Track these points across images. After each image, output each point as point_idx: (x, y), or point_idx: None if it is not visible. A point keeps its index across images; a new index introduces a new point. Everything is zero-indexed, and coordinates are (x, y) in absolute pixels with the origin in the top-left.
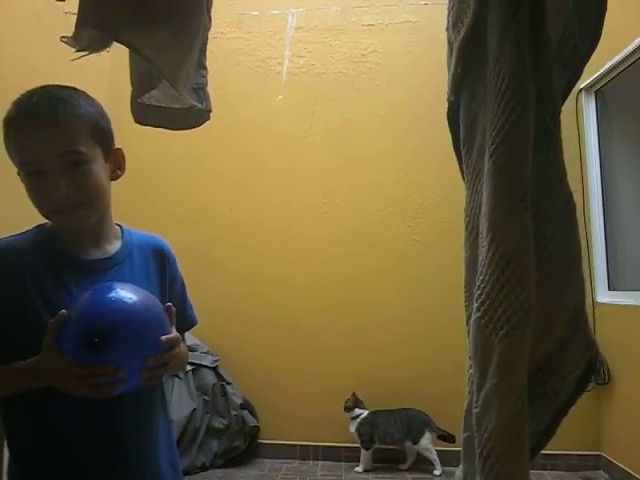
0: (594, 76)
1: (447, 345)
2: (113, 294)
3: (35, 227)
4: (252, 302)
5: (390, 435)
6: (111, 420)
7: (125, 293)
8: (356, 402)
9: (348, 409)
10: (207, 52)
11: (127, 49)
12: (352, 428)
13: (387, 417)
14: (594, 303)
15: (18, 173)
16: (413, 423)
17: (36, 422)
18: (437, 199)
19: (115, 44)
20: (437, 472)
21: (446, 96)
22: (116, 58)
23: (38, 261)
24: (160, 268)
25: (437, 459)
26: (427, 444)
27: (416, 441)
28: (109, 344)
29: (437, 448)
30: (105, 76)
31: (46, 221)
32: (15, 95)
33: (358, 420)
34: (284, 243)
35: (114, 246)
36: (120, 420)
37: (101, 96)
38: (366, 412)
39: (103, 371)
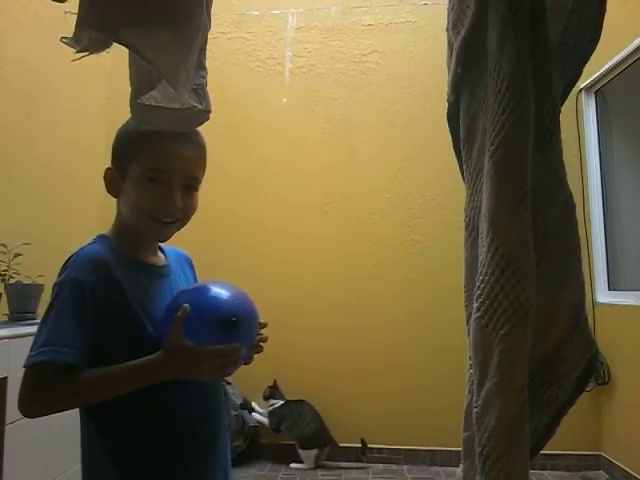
0: (594, 76)
1: (447, 345)
2: (225, 287)
3: (99, 237)
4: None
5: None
6: (205, 403)
7: (229, 286)
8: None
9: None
10: (207, 52)
11: (127, 50)
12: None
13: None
14: (594, 303)
15: (109, 170)
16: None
17: (147, 411)
18: (437, 199)
19: (115, 45)
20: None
21: (446, 96)
22: (116, 59)
23: (122, 268)
24: (192, 275)
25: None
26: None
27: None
28: (241, 324)
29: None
30: (105, 77)
31: (104, 233)
32: (16, 95)
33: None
34: (284, 243)
35: (161, 256)
36: (212, 402)
37: (101, 97)
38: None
39: (236, 350)
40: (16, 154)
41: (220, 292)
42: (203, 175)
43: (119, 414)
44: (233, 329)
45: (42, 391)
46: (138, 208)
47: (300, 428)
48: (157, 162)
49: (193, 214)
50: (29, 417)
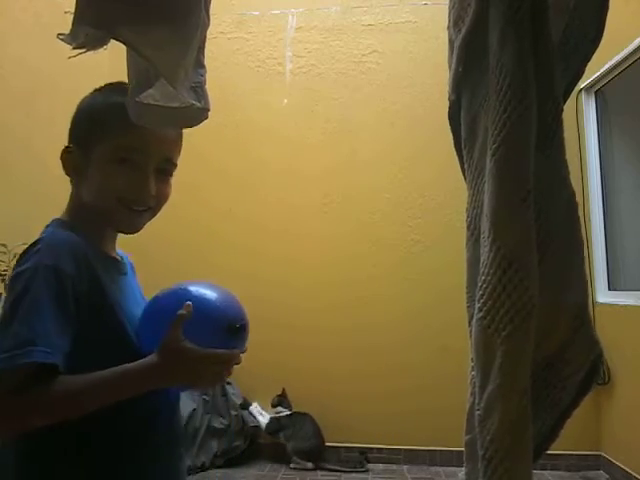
0: (594, 76)
1: (448, 346)
2: (216, 287)
3: (57, 222)
4: (252, 302)
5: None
6: (174, 408)
7: (218, 286)
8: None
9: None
10: (207, 52)
11: (125, 47)
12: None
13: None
14: (594, 303)
15: (67, 148)
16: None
17: (124, 414)
18: (437, 199)
19: (113, 42)
20: None
21: (447, 95)
22: (114, 57)
23: (96, 261)
24: (135, 279)
25: None
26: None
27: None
28: (244, 329)
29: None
30: (103, 74)
31: (58, 217)
32: (16, 94)
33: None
34: (284, 243)
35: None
36: (177, 406)
37: None
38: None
39: (237, 356)
40: (16, 153)
41: (216, 294)
42: (178, 159)
43: (88, 428)
44: (238, 334)
45: (19, 401)
46: (106, 194)
47: (300, 441)
48: (130, 140)
49: (165, 203)
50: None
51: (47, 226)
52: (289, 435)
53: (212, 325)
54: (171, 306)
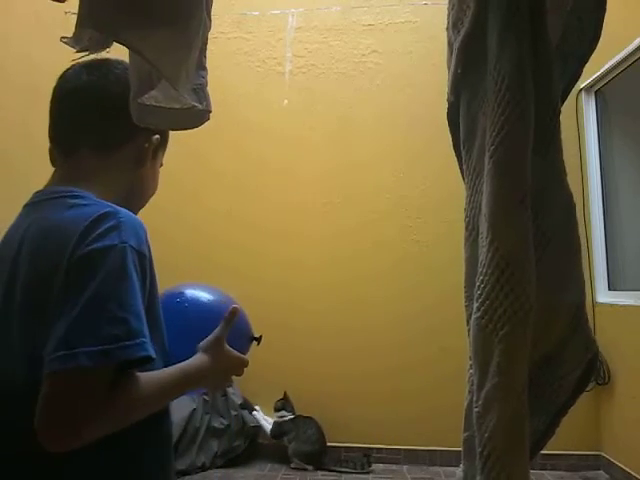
0: (594, 76)
1: (448, 346)
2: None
3: (106, 202)
4: (252, 303)
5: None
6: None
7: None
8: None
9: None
10: (207, 52)
11: (127, 49)
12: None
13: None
14: (594, 303)
15: (149, 139)
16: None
17: (157, 431)
18: (437, 199)
19: (115, 44)
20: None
21: (446, 96)
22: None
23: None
24: None
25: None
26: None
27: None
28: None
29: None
30: None
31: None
32: (20, 92)
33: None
34: (284, 243)
35: None
36: None
37: None
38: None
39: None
40: (18, 149)
41: (237, 304)
42: None
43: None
44: (252, 345)
45: (129, 398)
46: (147, 194)
47: (302, 444)
48: (164, 150)
49: None
50: (78, 442)
51: (66, 195)
52: (292, 438)
53: (241, 332)
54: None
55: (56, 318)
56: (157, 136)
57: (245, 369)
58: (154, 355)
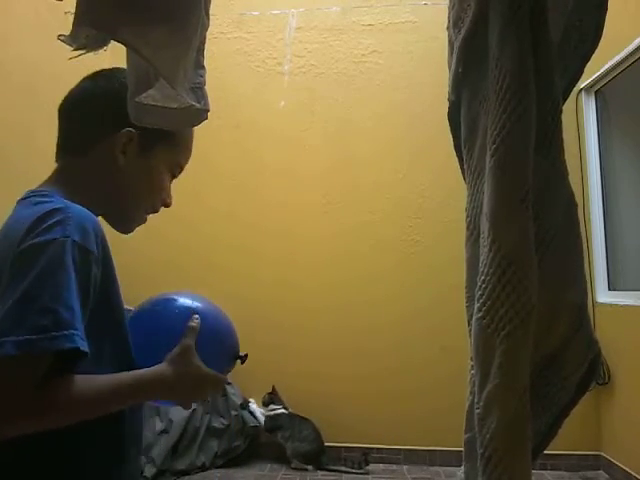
0: (594, 76)
1: (448, 346)
2: (224, 313)
3: (61, 196)
4: (252, 302)
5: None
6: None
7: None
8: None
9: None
10: (207, 52)
11: (125, 47)
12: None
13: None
14: (594, 303)
15: (129, 133)
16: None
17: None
18: (437, 199)
19: (113, 42)
20: None
21: (446, 96)
22: (115, 57)
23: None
24: None
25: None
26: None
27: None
28: (244, 360)
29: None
30: None
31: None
32: (20, 92)
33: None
34: (284, 243)
35: None
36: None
37: None
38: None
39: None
40: (18, 149)
41: (228, 321)
42: None
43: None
44: (235, 363)
45: (43, 395)
46: (143, 198)
47: (299, 444)
48: (185, 159)
49: None
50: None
51: (36, 194)
52: (288, 436)
53: (224, 350)
54: (181, 326)
55: None
56: (129, 129)
57: (245, 369)
58: (86, 349)
